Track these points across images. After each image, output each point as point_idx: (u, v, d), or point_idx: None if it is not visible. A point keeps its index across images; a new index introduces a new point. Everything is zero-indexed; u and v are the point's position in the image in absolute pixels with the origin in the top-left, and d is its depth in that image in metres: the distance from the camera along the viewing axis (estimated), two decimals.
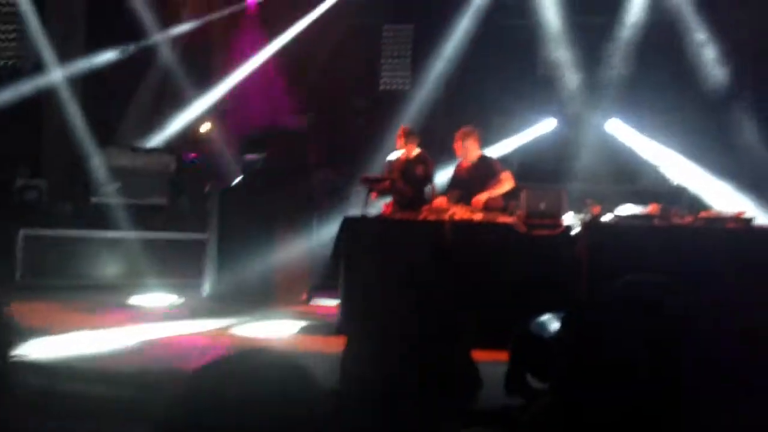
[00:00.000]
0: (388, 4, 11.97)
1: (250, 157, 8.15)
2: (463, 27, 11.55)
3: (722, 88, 10.71)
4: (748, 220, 6.39)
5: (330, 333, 6.58)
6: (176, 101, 11.50)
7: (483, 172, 7.33)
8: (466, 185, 7.32)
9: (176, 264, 9.04)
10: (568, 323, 2.48)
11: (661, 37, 10.94)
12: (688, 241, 6.29)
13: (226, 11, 12.18)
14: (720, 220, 6.39)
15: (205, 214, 8.63)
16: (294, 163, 8.17)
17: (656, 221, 6.50)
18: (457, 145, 7.42)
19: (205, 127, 12.08)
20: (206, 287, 8.50)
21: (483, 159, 7.47)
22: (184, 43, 11.84)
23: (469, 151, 7.37)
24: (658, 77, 10.90)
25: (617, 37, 11.15)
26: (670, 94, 10.85)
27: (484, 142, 11.07)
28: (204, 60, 12.18)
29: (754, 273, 5.95)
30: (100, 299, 8.09)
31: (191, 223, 9.56)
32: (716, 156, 10.31)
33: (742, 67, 10.82)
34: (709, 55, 10.76)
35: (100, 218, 9.37)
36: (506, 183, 7.26)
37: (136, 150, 10.48)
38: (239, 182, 8.32)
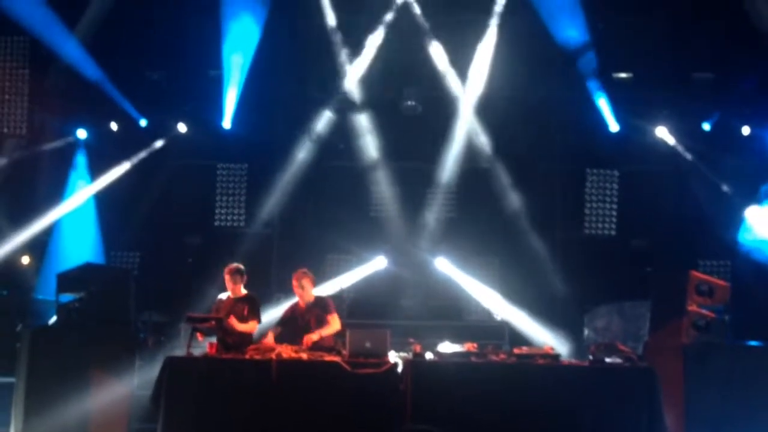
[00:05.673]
0: (220, 146, 12.19)
1: (66, 295, 7.78)
2: (296, 166, 11.93)
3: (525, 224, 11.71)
4: (556, 356, 6.84)
5: None
6: None
7: (317, 312, 7.63)
8: (301, 324, 7.57)
9: None
10: None
11: (477, 182, 11.87)
12: (502, 376, 6.62)
13: (55, 143, 11.93)
14: (531, 357, 6.79)
15: (14, 355, 8.02)
16: (114, 303, 7.84)
17: (473, 358, 6.81)
18: (294, 286, 7.71)
19: (24, 261, 11.51)
20: None
21: (318, 300, 7.76)
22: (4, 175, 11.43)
23: (305, 291, 7.66)
24: (477, 219, 11.76)
25: (438, 182, 11.96)
26: (487, 236, 11.71)
27: (319, 279, 11.43)
28: (27, 192, 11.73)
29: (560, 406, 6.40)
30: None
31: (1, 364, 8.83)
32: (529, 297, 11.15)
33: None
34: (513, 198, 11.77)
35: None
36: (333, 325, 7.54)
37: None
38: (54, 322, 7.88)
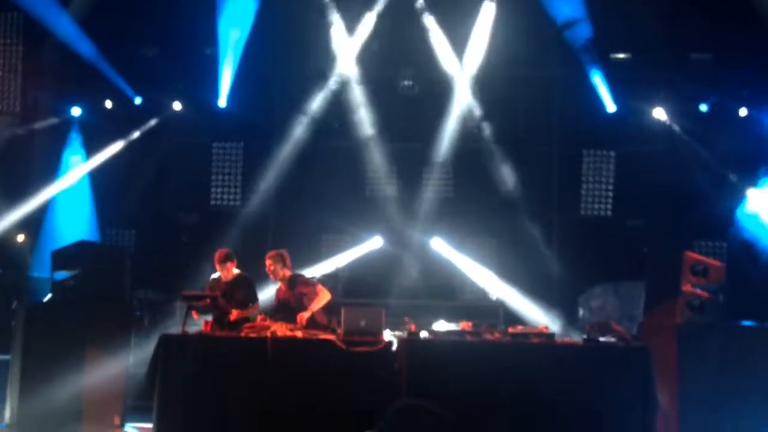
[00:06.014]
0: (216, 124, 12.13)
1: (61, 273, 7.77)
2: (292, 145, 11.88)
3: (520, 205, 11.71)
4: (551, 335, 6.86)
5: None
6: None
7: (296, 291, 7.63)
8: (286, 305, 7.59)
9: None
10: None
11: (473, 162, 11.84)
12: (497, 355, 6.63)
13: (49, 121, 11.87)
14: (525, 336, 6.80)
15: (10, 332, 8.02)
16: (110, 281, 7.84)
17: (468, 337, 6.83)
18: (268, 269, 7.68)
19: (19, 239, 11.49)
20: (7, 414, 7.82)
21: (293, 278, 7.70)
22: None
23: (278, 273, 7.65)
24: (473, 200, 11.75)
25: (435, 162, 11.93)
26: (483, 217, 11.71)
27: (315, 258, 11.43)
28: (21, 170, 11.67)
29: (554, 384, 6.44)
30: None
31: None
32: (525, 278, 11.15)
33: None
34: (510, 178, 11.74)
35: None
36: (323, 296, 7.51)
37: None
38: (48, 299, 7.88)
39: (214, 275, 7.89)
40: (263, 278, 8.10)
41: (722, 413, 7.09)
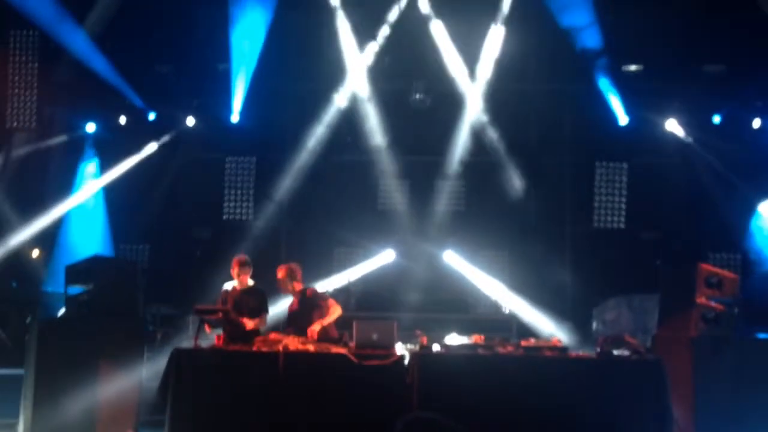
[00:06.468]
0: (229, 139, 12.20)
1: (75, 287, 7.81)
2: (304, 159, 11.93)
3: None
4: (564, 349, 6.81)
5: None
6: None
7: (308, 304, 7.63)
8: (297, 318, 7.59)
9: None
10: None
11: (485, 175, 11.84)
12: (509, 368, 6.59)
13: (64, 137, 11.99)
14: (538, 349, 6.76)
15: (24, 347, 8.06)
16: (123, 295, 7.87)
17: (480, 350, 6.79)
18: (278, 282, 7.71)
19: (33, 253, 11.59)
20: (20, 429, 7.83)
21: (303, 291, 7.72)
22: (13, 167, 11.49)
23: (288, 286, 7.68)
24: (485, 212, 11.73)
25: (447, 175, 11.93)
26: (496, 229, 11.69)
27: (327, 272, 11.44)
28: (36, 185, 11.78)
29: (568, 398, 6.39)
30: None
31: (11, 357, 8.90)
32: (538, 291, 11.11)
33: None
34: (522, 191, 11.73)
35: None
36: (334, 310, 7.51)
37: None
38: (62, 314, 7.91)
39: (226, 286, 7.91)
40: (276, 291, 8.11)
41: (738, 426, 7.01)
